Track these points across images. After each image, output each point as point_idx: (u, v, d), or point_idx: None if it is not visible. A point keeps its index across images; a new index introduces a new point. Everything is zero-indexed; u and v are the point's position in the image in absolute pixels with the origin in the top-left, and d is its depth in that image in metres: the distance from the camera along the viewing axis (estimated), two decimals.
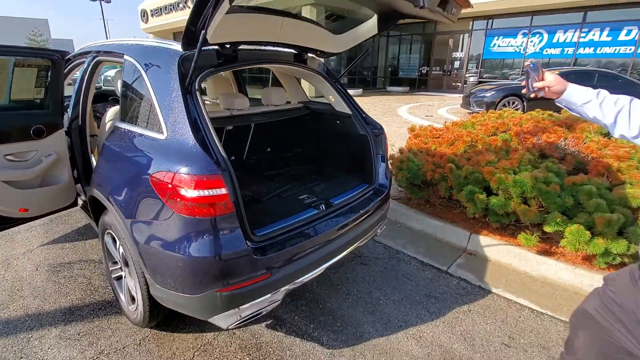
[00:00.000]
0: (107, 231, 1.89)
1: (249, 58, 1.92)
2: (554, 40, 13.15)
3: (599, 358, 1.07)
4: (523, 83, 1.17)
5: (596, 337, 1.07)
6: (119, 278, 2.03)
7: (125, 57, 1.86)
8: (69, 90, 2.45)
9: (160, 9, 19.41)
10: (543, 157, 2.87)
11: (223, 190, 1.36)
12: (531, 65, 1.13)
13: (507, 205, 2.48)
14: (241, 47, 1.82)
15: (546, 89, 1.12)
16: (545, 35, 13.27)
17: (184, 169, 1.36)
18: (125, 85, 1.83)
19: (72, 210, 3.02)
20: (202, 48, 1.45)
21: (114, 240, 1.89)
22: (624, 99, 1.04)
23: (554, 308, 2.15)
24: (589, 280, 2.26)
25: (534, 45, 13.61)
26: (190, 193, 1.33)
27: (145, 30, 22.16)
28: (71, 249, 2.71)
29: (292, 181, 2.43)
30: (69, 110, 2.38)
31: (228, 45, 1.73)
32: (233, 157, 2.62)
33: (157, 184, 1.41)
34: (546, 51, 13.35)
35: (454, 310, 2.14)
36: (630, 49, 11.83)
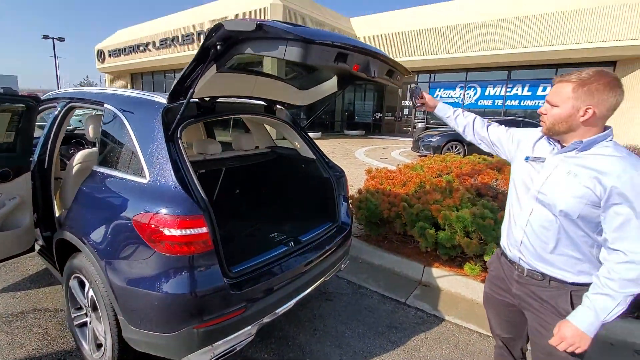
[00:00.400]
0: (75, 275, 1.87)
1: (225, 109, 2.14)
2: (486, 94, 15.12)
3: (500, 321, 1.48)
4: (411, 102, 1.68)
5: (494, 306, 1.49)
6: (83, 325, 1.97)
7: (106, 105, 1.98)
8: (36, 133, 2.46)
9: (119, 50, 19.40)
10: (480, 196, 3.31)
11: (204, 229, 1.49)
12: (415, 89, 1.64)
13: (453, 238, 2.81)
14: (218, 99, 2.04)
15: (425, 105, 1.66)
16: (479, 89, 15.24)
17: (167, 210, 1.48)
18: (105, 131, 1.93)
19: (22, 257, 2.85)
20: (184, 100, 1.64)
21: (81, 285, 1.87)
22: (470, 116, 1.60)
23: None
24: None
25: (469, 97, 15.50)
26: (173, 232, 1.44)
27: (101, 69, 21.80)
28: (23, 298, 2.54)
29: (263, 220, 2.57)
30: (36, 152, 2.38)
31: (207, 99, 1.94)
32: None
33: (139, 225, 1.50)
34: (480, 102, 15.25)
35: (412, 338, 2.33)
36: None
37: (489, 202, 3.02)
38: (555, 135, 1.19)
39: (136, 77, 22.48)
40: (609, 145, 1.12)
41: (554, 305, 1.22)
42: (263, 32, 1.22)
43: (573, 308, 1.17)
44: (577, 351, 1.12)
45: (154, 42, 17.15)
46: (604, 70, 1.12)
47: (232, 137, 2.79)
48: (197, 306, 1.48)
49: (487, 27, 12.93)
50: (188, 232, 1.46)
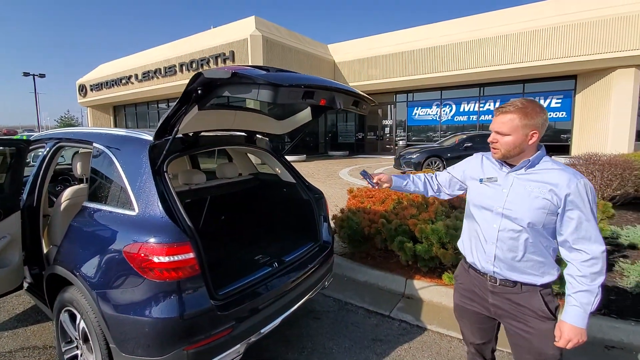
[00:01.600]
0: (66, 308, 1.93)
1: (208, 142, 2.30)
2: (461, 110, 15.81)
3: (473, 330, 1.60)
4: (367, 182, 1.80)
5: (466, 317, 1.59)
6: (74, 358, 2.01)
7: (95, 144, 2.11)
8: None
9: (101, 84, 19.55)
10: (453, 208, 3.52)
11: (191, 255, 1.61)
12: (364, 173, 1.79)
13: (430, 250, 2.98)
14: (201, 133, 2.20)
15: (380, 183, 1.76)
16: (454, 106, 15.93)
17: (155, 239, 1.60)
18: (94, 169, 2.06)
19: (8, 297, 2.85)
20: (170, 137, 1.80)
21: (72, 318, 1.94)
22: (420, 178, 1.78)
23: None
24: None
25: (446, 114, 16.18)
26: (162, 259, 1.56)
27: (83, 103, 21.82)
28: (11, 337, 2.54)
29: (247, 244, 2.69)
30: (25, 191, 2.46)
31: (191, 134, 2.10)
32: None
33: (129, 255, 1.61)
34: (456, 118, 15.91)
35: (397, 349, 2.43)
36: None
37: (462, 213, 3.23)
38: (508, 159, 1.36)
39: (119, 109, 22.55)
40: (548, 160, 1.33)
41: (529, 308, 1.35)
42: (238, 79, 1.41)
43: (547, 306, 1.33)
44: (580, 343, 1.26)
45: (136, 75, 17.39)
46: (529, 98, 1.33)
47: (216, 167, 2.94)
48: (186, 328, 1.58)
49: (457, 49, 13.73)
50: (176, 258, 1.57)
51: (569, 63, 11.91)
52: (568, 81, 13.40)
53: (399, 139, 17.72)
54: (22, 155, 2.27)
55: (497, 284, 1.41)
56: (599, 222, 3.05)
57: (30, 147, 2.74)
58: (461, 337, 2.54)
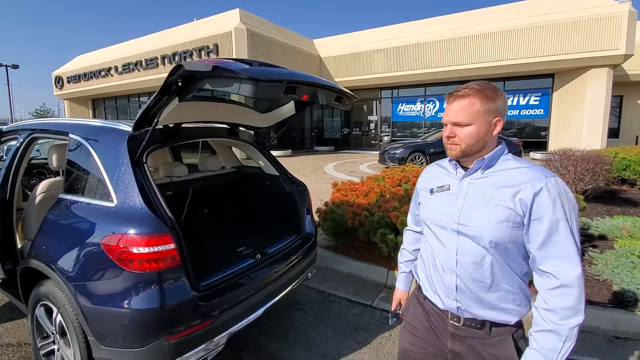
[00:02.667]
0: (42, 302, 1.89)
1: (189, 134, 2.28)
2: (444, 106, 16.05)
3: None
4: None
5: None
6: (50, 354, 1.97)
7: (71, 135, 2.06)
8: None
9: (79, 76, 18.87)
10: None
11: (171, 246, 1.60)
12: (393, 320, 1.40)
13: None
14: (183, 125, 2.18)
15: (402, 307, 1.36)
16: (437, 103, 16.19)
17: (135, 230, 1.58)
18: (70, 160, 2.00)
19: None
20: (150, 128, 1.77)
21: (48, 312, 1.90)
22: (407, 244, 1.43)
23: None
24: None
25: (430, 110, 16.43)
26: (142, 250, 1.54)
27: (60, 96, 21.03)
28: None
29: (230, 236, 2.68)
30: None
31: (172, 125, 2.08)
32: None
33: (108, 246, 1.59)
34: (440, 114, 16.16)
35: (378, 337, 2.49)
36: None
37: None
38: (469, 157, 1.07)
39: (98, 103, 21.85)
40: (509, 157, 1.06)
41: (499, 358, 1.05)
42: (219, 72, 1.41)
43: (518, 351, 1.03)
44: None
45: (116, 67, 16.88)
46: (484, 81, 1.07)
47: (199, 159, 2.91)
48: (167, 319, 1.57)
49: (439, 46, 13.93)
50: (156, 249, 1.56)
51: (546, 62, 12.29)
52: (546, 79, 13.82)
53: (384, 134, 17.90)
54: None
55: (461, 324, 1.09)
56: None
57: (2, 139, 2.64)
58: None
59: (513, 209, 0.97)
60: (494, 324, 1.05)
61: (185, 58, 13.97)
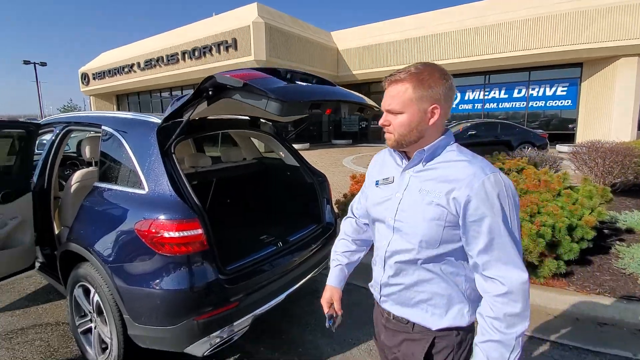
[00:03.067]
0: (80, 283, 2.03)
1: (213, 125, 2.36)
2: (466, 98, 15.70)
3: None
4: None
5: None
6: (87, 331, 2.11)
7: (103, 127, 2.17)
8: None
9: (104, 72, 19.51)
10: None
11: (199, 231, 1.69)
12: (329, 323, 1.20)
13: None
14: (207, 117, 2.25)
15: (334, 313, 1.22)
16: (459, 94, 15.79)
17: (166, 216, 1.67)
18: (103, 151, 2.12)
19: (18, 278, 2.94)
20: (177, 120, 1.85)
21: (86, 292, 2.03)
22: (343, 234, 1.30)
23: None
24: None
25: None
26: (172, 235, 1.63)
27: (86, 92, 21.82)
28: (22, 316, 2.66)
29: (252, 225, 2.77)
30: (36, 174, 2.54)
31: (197, 118, 2.15)
32: None
33: (140, 231, 1.69)
34: (461, 106, 15.81)
35: None
36: (523, 104, 14.57)
37: None
38: (405, 147, 0.98)
39: (122, 98, 22.55)
40: (453, 149, 0.95)
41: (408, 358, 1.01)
42: (249, 88, 1.48)
43: (427, 357, 0.99)
44: None
45: (138, 63, 17.34)
46: (428, 62, 0.97)
47: (221, 151, 3.00)
48: (196, 300, 1.66)
49: (461, 36, 13.56)
50: (185, 233, 1.65)
51: (574, 51, 11.76)
52: (574, 69, 13.24)
53: None
54: (31, 138, 2.33)
55: (392, 318, 1.06)
56: (597, 206, 3.08)
57: (40, 131, 2.81)
58: None
59: (446, 207, 0.89)
60: (416, 324, 1.01)
61: (204, 53, 14.18)
